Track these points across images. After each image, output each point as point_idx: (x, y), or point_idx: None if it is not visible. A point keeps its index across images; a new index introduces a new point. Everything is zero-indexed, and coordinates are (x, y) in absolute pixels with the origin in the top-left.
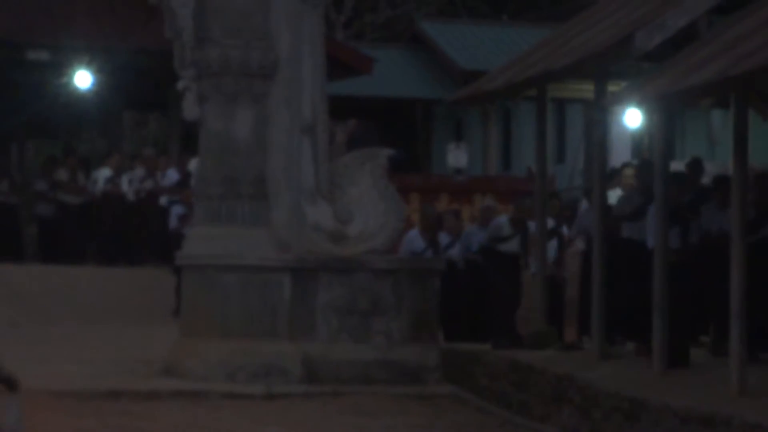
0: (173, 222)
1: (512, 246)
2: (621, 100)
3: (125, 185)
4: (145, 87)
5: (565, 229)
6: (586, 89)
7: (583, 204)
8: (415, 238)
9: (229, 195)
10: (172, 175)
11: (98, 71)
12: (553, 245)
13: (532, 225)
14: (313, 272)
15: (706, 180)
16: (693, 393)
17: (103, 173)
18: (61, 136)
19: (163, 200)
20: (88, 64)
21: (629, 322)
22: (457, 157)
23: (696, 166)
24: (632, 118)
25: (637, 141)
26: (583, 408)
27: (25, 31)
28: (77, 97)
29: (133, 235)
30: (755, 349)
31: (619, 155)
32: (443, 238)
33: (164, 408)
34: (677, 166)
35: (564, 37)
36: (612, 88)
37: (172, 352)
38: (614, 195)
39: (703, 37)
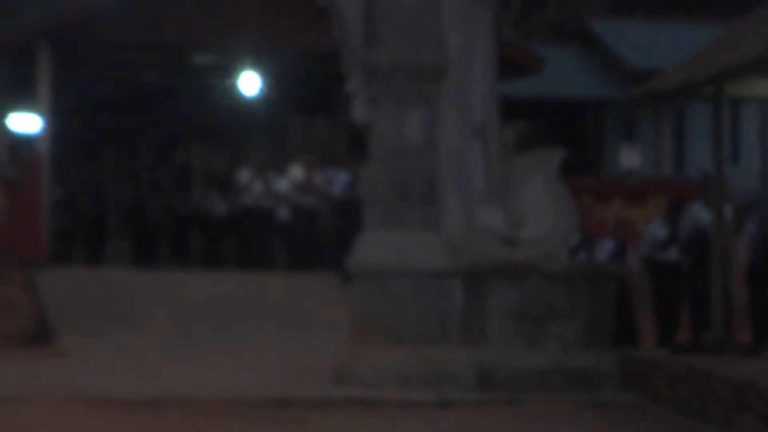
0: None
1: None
2: None
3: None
4: (311, 90)
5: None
6: (761, 87)
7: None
8: (657, 227)
9: (400, 199)
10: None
11: (264, 75)
12: None
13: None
14: (485, 277)
15: None
16: None
17: (343, 176)
18: (227, 141)
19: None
20: (254, 67)
21: None
22: (629, 158)
23: None
24: None
25: None
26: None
27: (191, 34)
28: (243, 101)
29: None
30: None
31: None
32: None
33: (337, 416)
34: None
35: (741, 34)
36: None
37: (343, 360)
38: None
39: None
